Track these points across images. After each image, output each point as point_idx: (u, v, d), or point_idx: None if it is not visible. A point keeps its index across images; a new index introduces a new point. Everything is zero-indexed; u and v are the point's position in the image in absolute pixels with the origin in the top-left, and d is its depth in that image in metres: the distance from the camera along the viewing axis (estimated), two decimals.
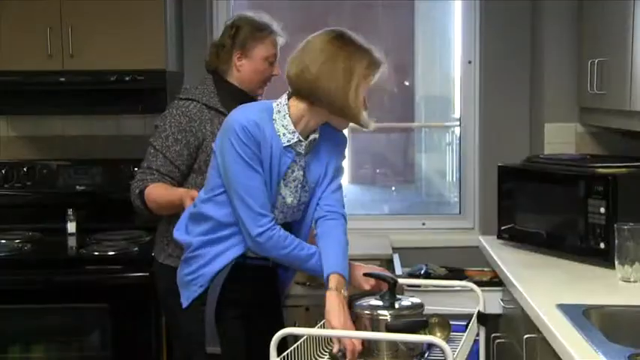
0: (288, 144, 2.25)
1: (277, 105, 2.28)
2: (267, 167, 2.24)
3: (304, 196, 2.35)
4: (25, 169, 3.69)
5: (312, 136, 2.30)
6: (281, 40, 2.79)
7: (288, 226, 2.34)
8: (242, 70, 2.74)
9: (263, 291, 2.47)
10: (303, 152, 2.29)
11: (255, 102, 2.36)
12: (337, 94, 2.19)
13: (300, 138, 2.27)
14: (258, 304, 2.44)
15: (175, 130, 2.67)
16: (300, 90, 2.24)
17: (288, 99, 2.28)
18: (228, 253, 2.32)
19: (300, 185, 2.32)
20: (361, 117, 2.24)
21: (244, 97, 2.77)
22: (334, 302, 2.16)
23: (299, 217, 2.39)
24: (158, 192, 2.63)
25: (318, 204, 2.36)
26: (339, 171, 2.40)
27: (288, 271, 2.50)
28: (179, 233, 2.41)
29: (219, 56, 2.76)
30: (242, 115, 2.25)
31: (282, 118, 2.25)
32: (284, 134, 2.25)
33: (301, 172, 2.31)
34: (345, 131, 2.40)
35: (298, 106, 2.25)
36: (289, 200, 2.32)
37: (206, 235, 2.33)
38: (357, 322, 2.17)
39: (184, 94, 2.76)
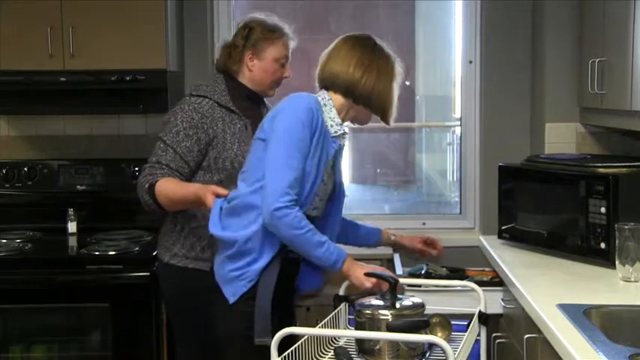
0: (335, 135, 2.44)
1: (322, 99, 2.45)
2: (318, 154, 2.37)
3: (331, 185, 2.51)
4: (25, 169, 3.69)
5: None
6: (292, 43, 2.83)
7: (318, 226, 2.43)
8: (253, 70, 2.77)
9: (292, 285, 2.56)
10: (344, 143, 2.50)
11: (302, 93, 2.45)
12: (382, 94, 2.45)
13: (346, 130, 2.48)
14: (288, 299, 2.58)
15: (187, 125, 2.68)
16: (343, 88, 2.44)
17: (328, 93, 2.46)
18: (273, 247, 2.36)
19: (330, 172, 2.48)
20: (391, 115, 2.52)
21: (255, 97, 2.79)
22: (351, 269, 2.36)
23: (323, 212, 2.51)
24: (170, 187, 2.62)
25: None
26: None
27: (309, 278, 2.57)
28: (217, 229, 2.41)
29: (231, 56, 2.79)
30: (303, 100, 2.38)
31: (329, 110, 2.44)
32: (331, 125, 2.43)
33: (333, 161, 2.49)
34: (346, 130, 2.51)
35: (339, 100, 2.46)
36: (329, 187, 2.49)
37: (249, 228, 2.35)
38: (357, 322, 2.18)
39: (196, 91, 2.78)
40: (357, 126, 2.60)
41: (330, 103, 2.44)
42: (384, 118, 2.52)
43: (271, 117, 2.40)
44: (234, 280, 2.38)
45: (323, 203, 2.50)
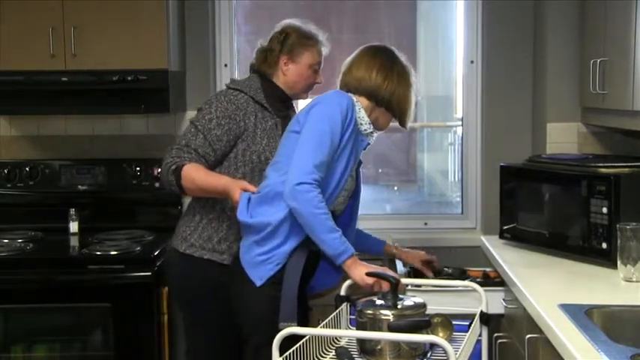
0: (365, 132, 2.57)
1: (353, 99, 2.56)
2: (349, 148, 2.49)
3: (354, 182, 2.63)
4: (27, 169, 3.69)
5: None
6: (325, 50, 2.91)
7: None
8: (287, 74, 2.83)
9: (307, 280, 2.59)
10: (372, 142, 2.63)
11: (340, 90, 2.62)
12: (402, 98, 2.60)
13: (375, 130, 2.61)
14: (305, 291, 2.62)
15: (220, 114, 2.74)
16: (367, 91, 2.58)
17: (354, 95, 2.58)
18: (299, 234, 2.42)
19: (356, 170, 2.63)
20: (409, 119, 2.66)
21: (287, 99, 2.88)
22: (353, 266, 2.40)
23: (345, 205, 2.62)
24: (200, 174, 2.68)
25: None
26: None
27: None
28: (246, 217, 2.50)
29: (267, 60, 2.86)
30: (341, 96, 2.53)
31: (359, 110, 2.56)
32: (361, 124, 2.56)
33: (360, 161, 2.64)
34: (374, 130, 2.65)
35: (364, 102, 2.59)
36: (351, 182, 2.59)
37: (280, 213, 2.43)
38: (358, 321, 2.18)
39: (233, 85, 2.85)
40: None
41: (358, 104, 2.57)
42: (402, 121, 2.65)
43: (306, 110, 2.52)
44: (261, 263, 2.44)
45: (346, 199, 2.60)
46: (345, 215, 2.66)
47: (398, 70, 2.61)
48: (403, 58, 2.67)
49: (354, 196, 2.68)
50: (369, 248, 2.99)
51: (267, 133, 2.78)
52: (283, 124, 2.78)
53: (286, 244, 2.43)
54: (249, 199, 2.52)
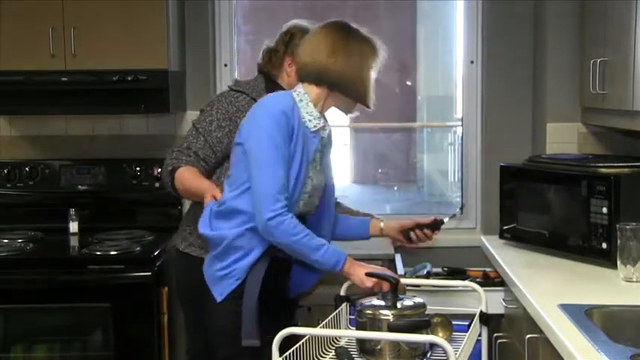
0: (315, 129, 2.40)
1: (297, 94, 2.41)
2: (300, 153, 2.34)
3: (322, 182, 2.48)
4: (27, 169, 3.69)
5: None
6: None
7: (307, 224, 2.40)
8: (292, 75, 2.81)
9: (284, 285, 2.52)
10: (326, 136, 2.45)
11: (278, 92, 2.49)
12: (355, 77, 2.39)
13: (325, 122, 2.45)
14: (280, 299, 2.51)
15: (221, 117, 2.74)
16: (314, 77, 2.39)
17: (303, 86, 2.42)
18: (260, 247, 2.35)
19: (319, 167, 2.46)
20: (370, 98, 2.44)
21: None
22: (351, 269, 2.34)
23: (317, 203, 2.48)
24: (188, 176, 2.67)
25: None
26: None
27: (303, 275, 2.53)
28: (206, 229, 2.43)
29: (272, 61, 2.85)
30: (273, 103, 2.36)
31: (306, 105, 2.40)
32: (310, 120, 2.39)
33: (319, 155, 2.45)
34: (346, 129, 2.46)
35: (315, 91, 2.41)
36: (316, 181, 2.43)
37: (241, 227, 2.35)
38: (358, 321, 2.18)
39: (235, 86, 2.84)
40: (355, 124, 2.59)
41: (305, 98, 2.40)
42: (363, 102, 2.45)
43: (247, 121, 2.40)
44: (221, 278, 2.38)
45: (315, 199, 2.48)
46: (319, 215, 2.54)
47: (349, 46, 2.38)
48: (361, 31, 2.44)
49: (325, 194, 2.53)
50: (356, 234, 2.77)
51: None
52: None
53: (245, 258, 2.35)
54: (211, 210, 2.45)
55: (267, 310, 2.36)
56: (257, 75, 2.89)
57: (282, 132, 2.30)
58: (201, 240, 2.77)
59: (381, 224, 2.75)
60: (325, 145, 2.48)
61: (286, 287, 2.56)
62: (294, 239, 2.28)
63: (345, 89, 2.41)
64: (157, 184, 3.63)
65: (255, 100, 2.74)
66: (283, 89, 2.79)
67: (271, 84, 2.83)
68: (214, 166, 2.76)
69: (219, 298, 2.37)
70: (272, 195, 2.26)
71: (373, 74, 2.43)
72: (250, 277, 2.35)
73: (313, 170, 2.42)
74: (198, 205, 2.82)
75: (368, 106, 2.47)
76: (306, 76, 2.42)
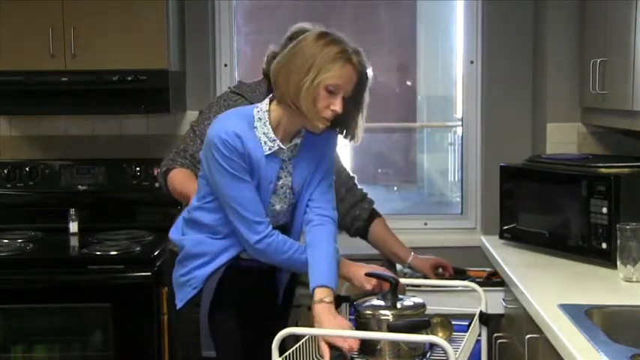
0: (269, 152, 2.22)
1: (258, 112, 2.24)
2: (257, 176, 2.22)
3: (292, 199, 2.34)
4: (27, 169, 3.69)
5: (294, 141, 2.27)
6: None
7: (281, 229, 2.33)
8: None
9: (258, 293, 2.44)
10: (286, 159, 2.27)
11: (236, 109, 2.34)
12: (292, 87, 2.13)
13: (281, 145, 2.23)
14: (254, 307, 2.42)
15: None
16: (274, 92, 2.22)
17: (269, 103, 2.25)
18: (221, 256, 2.31)
19: (288, 191, 2.32)
20: (311, 116, 2.14)
21: None
22: (322, 313, 2.14)
23: (289, 219, 2.38)
24: (179, 178, 2.68)
25: (308, 205, 2.34)
26: (329, 172, 2.37)
27: (283, 272, 2.48)
28: (175, 234, 2.42)
29: None
30: (221, 127, 2.20)
31: (263, 125, 2.22)
32: (265, 142, 2.21)
33: (289, 178, 2.30)
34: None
35: (277, 110, 2.22)
36: (278, 207, 2.32)
37: (199, 237, 2.34)
38: (358, 321, 2.18)
39: (236, 88, 2.82)
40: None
41: (265, 117, 2.22)
42: (304, 118, 2.16)
43: (203, 149, 2.29)
44: (182, 285, 2.36)
45: (286, 212, 2.36)
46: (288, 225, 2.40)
47: (307, 55, 2.12)
48: (341, 37, 2.17)
49: (297, 204, 2.36)
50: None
51: None
52: None
53: (205, 267, 2.31)
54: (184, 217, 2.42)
55: (225, 320, 2.32)
56: (262, 79, 2.85)
57: (233, 156, 2.17)
58: None
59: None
60: (297, 164, 2.30)
61: (271, 292, 2.49)
62: (286, 257, 2.27)
63: (285, 100, 2.17)
64: (156, 184, 3.61)
65: (251, 104, 2.72)
66: None
67: (271, 87, 2.82)
68: None
69: (179, 305, 2.36)
70: (250, 221, 2.22)
71: (324, 87, 2.11)
72: (206, 287, 2.31)
73: (276, 196, 2.30)
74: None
75: (311, 127, 2.20)
76: (272, 91, 2.24)
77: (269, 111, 2.23)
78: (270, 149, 2.22)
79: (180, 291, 2.37)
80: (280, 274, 2.48)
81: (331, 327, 2.09)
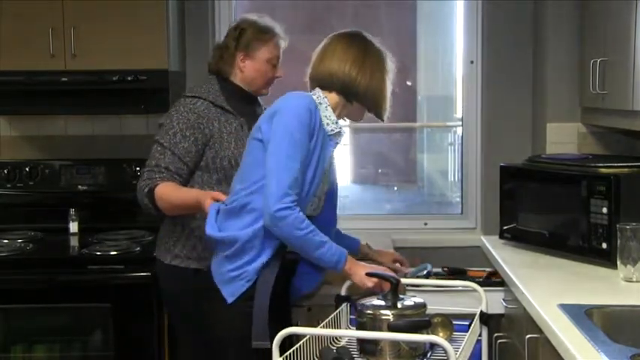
0: (332, 133, 2.43)
1: (317, 97, 2.44)
2: (317, 156, 2.37)
3: (329, 182, 2.52)
4: (27, 169, 3.69)
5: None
6: (283, 43, 2.85)
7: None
8: (245, 71, 2.78)
9: (285, 287, 2.53)
10: (340, 141, 2.49)
11: (299, 92, 2.46)
12: (376, 91, 2.47)
13: (342, 128, 2.47)
14: (286, 301, 2.56)
15: (184, 126, 2.69)
16: (339, 87, 2.44)
17: (322, 92, 2.46)
18: (267, 249, 2.35)
19: (328, 173, 2.50)
20: (385, 111, 2.52)
21: (248, 96, 2.80)
22: (350, 267, 2.37)
23: (322, 205, 2.50)
24: (170, 192, 2.63)
25: None
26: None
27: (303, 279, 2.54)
28: (214, 231, 2.41)
29: (223, 58, 2.80)
30: (299, 100, 2.38)
31: (325, 109, 2.43)
32: (327, 124, 2.42)
33: (330, 161, 2.50)
34: (346, 129, 2.48)
35: (334, 99, 2.46)
36: (325, 187, 2.48)
37: (252, 226, 2.35)
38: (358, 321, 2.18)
39: (190, 92, 2.79)
40: (355, 125, 2.60)
41: (325, 102, 2.44)
42: (379, 114, 2.53)
43: (268, 117, 2.39)
44: (233, 279, 2.37)
45: (321, 201, 2.49)
46: (324, 216, 2.53)
47: (372, 60, 2.47)
48: (377, 43, 2.52)
49: (330, 197, 2.55)
50: (346, 248, 2.86)
51: (234, 136, 2.73)
52: (248, 122, 2.72)
53: (257, 260, 2.35)
54: (218, 211, 2.44)
55: (276, 312, 2.36)
56: (209, 78, 2.83)
57: (304, 129, 2.33)
58: (186, 250, 2.75)
59: (367, 250, 2.89)
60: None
61: (289, 288, 2.56)
62: (300, 234, 2.29)
63: (367, 102, 2.48)
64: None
65: (213, 104, 2.72)
66: (238, 87, 2.79)
67: (225, 83, 2.79)
68: (188, 177, 2.71)
69: (230, 299, 2.37)
70: (283, 187, 2.27)
71: (389, 87, 2.51)
72: (261, 278, 2.35)
73: (324, 176, 2.45)
74: (177, 215, 2.75)
75: (382, 119, 2.54)
76: (330, 85, 2.45)
77: (327, 97, 2.45)
78: (332, 130, 2.44)
79: (230, 286, 2.38)
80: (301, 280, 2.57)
81: (364, 270, 2.38)
